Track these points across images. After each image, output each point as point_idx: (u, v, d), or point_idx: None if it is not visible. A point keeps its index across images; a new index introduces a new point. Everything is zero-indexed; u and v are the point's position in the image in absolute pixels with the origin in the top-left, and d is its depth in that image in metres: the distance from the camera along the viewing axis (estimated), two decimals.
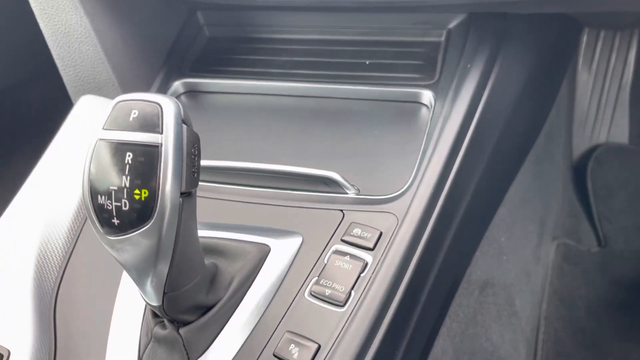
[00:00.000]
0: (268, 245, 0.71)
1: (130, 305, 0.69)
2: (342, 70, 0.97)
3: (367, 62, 0.97)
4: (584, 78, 1.75)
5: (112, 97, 0.92)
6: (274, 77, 0.98)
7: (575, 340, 1.32)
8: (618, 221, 1.58)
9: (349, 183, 0.78)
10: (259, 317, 0.66)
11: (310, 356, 0.62)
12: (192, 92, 1.00)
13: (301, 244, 0.73)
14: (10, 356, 0.62)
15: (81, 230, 0.78)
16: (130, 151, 0.51)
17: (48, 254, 0.74)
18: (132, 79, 0.93)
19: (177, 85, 0.99)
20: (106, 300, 0.70)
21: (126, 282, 0.72)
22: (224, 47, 1.05)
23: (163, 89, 0.97)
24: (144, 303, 0.68)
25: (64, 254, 0.75)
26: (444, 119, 0.81)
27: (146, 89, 0.95)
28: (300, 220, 0.75)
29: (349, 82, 0.94)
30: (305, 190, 0.79)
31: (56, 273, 0.73)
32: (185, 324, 0.62)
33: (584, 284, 1.43)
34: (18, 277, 0.70)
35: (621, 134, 1.76)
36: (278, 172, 0.80)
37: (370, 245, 0.70)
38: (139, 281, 0.56)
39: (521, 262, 1.24)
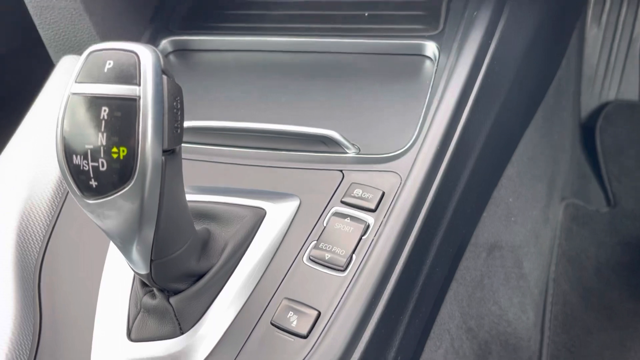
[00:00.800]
0: (263, 209, 0.68)
1: (118, 275, 0.66)
2: (340, 23, 0.92)
3: (366, 14, 0.92)
4: (594, 32, 1.68)
5: None
6: (269, 31, 0.93)
7: (584, 302, 1.29)
8: (628, 180, 1.54)
9: (348, 142, 0.73)
10: (255, 284, 0.63)
11: (310, 324, 0.58)
12: (181, 51, 0.94)
13: (298, 206, 0.69)
14: None
15: (65, 197, 0.74)
16: (105, 105, 0.46)
17: (30, 222, 0.70)
18: (116, 37, 0.87)
19: (165, 43, 0.94)
20: (93, 270, 0.67)
21: (113, 251, 0.68)
22: (215, 1, 1.00)
23: None
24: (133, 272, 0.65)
25: (47, 222, 0.71)
26: (449, 71, 0.77)
27: None
28: (297, 182, 0.71)
29: (347, 35, 0.89)
30: (302, 150, 0.75)
31: (40, 243, 0.70)
32: (176, 292, 0.59)
33: (593, 245, 1.39)
34: None
35: (631, 91, 1.70)
36: (273, 132, 0.76)
37: (372, 206, 0.66)
38: (124, 248, 0.53)
39: (529, 224, 1.20)
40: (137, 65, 0.47)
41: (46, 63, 0.92)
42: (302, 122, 0.76)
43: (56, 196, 0.73)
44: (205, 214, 0.66)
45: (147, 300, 0.59)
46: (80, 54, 0.87)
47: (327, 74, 0.87)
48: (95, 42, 0.84)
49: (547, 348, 1.21)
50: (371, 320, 0.60)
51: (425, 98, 0.77)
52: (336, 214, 0.67)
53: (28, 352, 0.61)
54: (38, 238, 0.70)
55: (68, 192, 0.75)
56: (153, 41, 0.93)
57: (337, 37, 0.89)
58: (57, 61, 0.88)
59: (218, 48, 0.94)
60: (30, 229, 0.69)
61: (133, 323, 0.60)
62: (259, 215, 0.67)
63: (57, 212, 0.73)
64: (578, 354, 1.21)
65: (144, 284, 0.60)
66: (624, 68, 1.71)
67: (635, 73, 1.71)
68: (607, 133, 1.61)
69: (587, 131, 1.63)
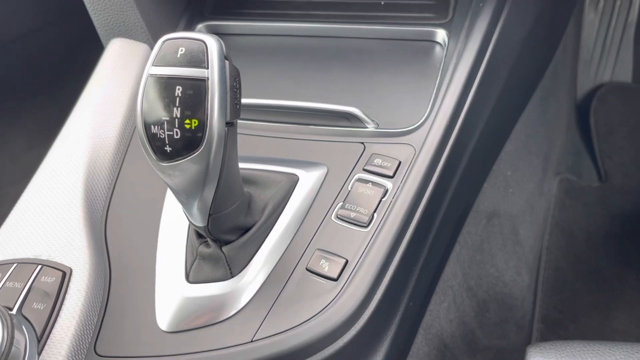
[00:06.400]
0: (297, 175, 0.78)
1: (174, 229, 0.76)
2: (358, 10, 1.00)
3: (382, 3, 1.01)
4: (590, 17, 1.77)
5: (140, 40, 0.97)
6: (293, 18, 1.02)
7: (575, 268, 1.41)
8: (618, 157, 1.64)
9: (368, 117, 0.83)
10: (291, 238, 0.73)
11: (339, 269, 0.69)
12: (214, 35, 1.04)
13: (326, 173, 0.79)
14: (73, 274, 0.70)
15: (123, 160, 0.84)
16: (179, 85, 0.55)
17: (94, 183, 0.80)
18: (158, 22, 0.97)
19: (200, 27, 1.03)
20: (151, 224, 0.77)
21: (169, 207, 0.79)
22: None
23: (187, 31, 1.01)
24: (187, 225, 0.75)
25: (108, 183, 0.82)
26: (458, 56, 0.86)
27: (172, 31, 0.99)
28: (325, 153, 0.81)
29: (365, 22, 0.98)
30: (328, 125, 0.85)
31: (103, 200, 0.80)
32: (227, 243, 0.69)
33: (583, 217, 1.51)
34: (70, 203, 0.77)
35: (625, 73, 1.79)
36: (303, 109, 0.86)
37: (390, 173, 0.77)
38: (187, 204, 0.63)
39: (526, 195, 1.31)
40: (205, 51, 0.56)
41: (94, 44, 1.01)
42: (326, 100, 0.86)
43: (115, 160, 0.84)
44: (247, 179, 0.77)
45: (203, 249, 0.70)
46: (126, 37, 0.98)
47: (347, 57, 0.97)
48: (141, 27, 0.95)
49: (539, 309, 1.33)
50: (390, 268, 0.71)
51: (436, 79, 0.87)
52: (359, 179, 0.77)
53: (102, 292, 0.72)
54: (102, 195, 0.80)
55: (125, 156, 0.86)
56: (189, 25, 1.02)
57: (356, 23, 0.98)
58: (107, 43, 0.97)
59: (247, 32, 1.03)
60: (94, 189, 0.80)
61: (190, 268, 0.71)
62: (293, 181, 0.77)
63: (116, 174, 0.83)
64: (567, 314, 1.33)
65: (199, 236, 0.71)
66: (619, 51, 1.80)
67: (629, 56, 1.80)
68: (600, 113, 1.71)
69: (582, 111, 1.73)
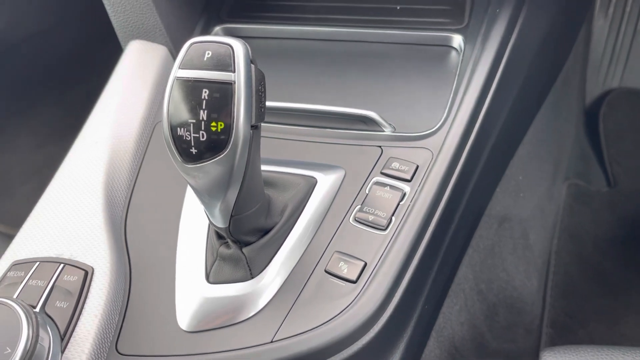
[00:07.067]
0: (315, 178, 0.78)
1: (193, 230, 0.77)
2: (374, 15, 1.01)
3: (398, 8, 1.02)
4: (600, 23, 1.77)
5: (158, 42, 0.98)
6: (309, 21, 1.03)
7: (583, 273, 1.41)
8: (627, 163, 1.65)
9: (385, 121, 0.84)
10: (310, 240, 0.74)
11: (358, 272, 0.69)
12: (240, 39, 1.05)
13: (344, 176, 0.80)
14: (95, 273, 0.71)
15: (142, 161, 0.85)
16: (206, 88, 0.56)
17: (114, 183, 0.81)
18: (176, 25, 0.98)
19: (218, 30, 1.04)
20: (170, 224, 0.78)
21: (188, 207, 0.79)
22: None
23: (205, 34, 1.02)
24: (206, 226, 0.76)
25: (128, 183, 0.83)
26: (474, 62, 0.87)
27: (189, 34, 1.01)
28: (342, 156, 0.82)
29: (381, 27, 0.99)
30: (345, 128, 0.86)
31: (123, 200, 0.81)
32: (247, 244, 0.70)
33: (592, 222, 1.51)
34: (90, 203, 0.78)
35: (634, 79, 1.79)
36: (320, 112, 0.87)
37: (408, 177, 0.77)
38: (210, 205, 0.63)
39: (536, 200, 1.32)
40: (231, 55, 0.56)
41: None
42: (342, 104, 0.87)
43: (134, 160, 0.84)
44: (265, 181, 0.77)
45: (223, 250, 0.71)
46: (145, 39, 0.99)
47: (363, 61, 0.98)
48: (160, 30, 0.96)
49: (548, 313, 1.34)
50: (408, 271, 0.72)
51: (452, 84, 0.88)
52: (377, 183, 0.78)
53: (123, 292, 0.73)
54: (121, 196, 0.81)
55: (144, 157, 0.87)
56: (206, 28, 1.03)
57: (372, 28, 0.99)
58: (125, 45, 0.98)
59: (264, 36, 1.04)
60: (114, 189, 0.81)
61: (211, 269, 0.71)
62: (311, 183, 0.78)
63: (136, 174, 0.84)
64: (576, 318, 1.34)
65: (219, 237, 0.72)
66: (628, 57, 1.80)
67: (639, 62, 1.80)
68: (609, 118, 1.71)
69: (591, 116, 1.73)
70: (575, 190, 1.54)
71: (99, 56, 1.93)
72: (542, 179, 1.36)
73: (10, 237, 1.23)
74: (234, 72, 0.56)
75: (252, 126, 0.58)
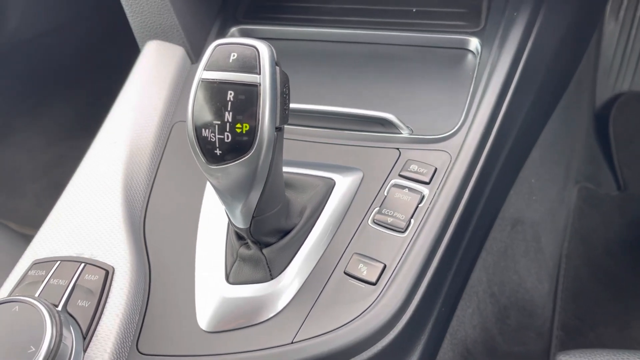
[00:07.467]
0: (333, 179, 0.79)
1: (212, 229, 0.77)
2: (390, 17, 1.02)
3: (414, 10, 1.02)
4: (611, 27, 1.77)
5: (175, 43, 0.99)
6: (325, 23, 1.03)
7: (594, 276, 1.41)
8: (637, 166, 1.65)
9: (403, 123, 0.84)
10: (329, 241, 0.74)
11: (378, 274, 0.70)
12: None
13: (362, 178, 0.80)
14: (115, 272, 0.71)
15: (160, 162, 0.86)
16: (231, 90, 0.56)
17: (133, 184, 0.82)
18: (193, 25, 0.99)
19: (234, 31, 1.04)
20: (189, 223, 0.78)
21: (207, 207, 0.80)
22: None
23: (221, 35, 1.02)
24: (226, 226, 0.76)
25: (146, 183, 0.83)
26: (492, 65, 0.87)
27: (206, 34, 1.01)
28: (360, 158, 0.82)
29: (397, 29, 0.99)
30: (362, 130, 0.86)
31: (142, 199, 0.82)
32: (267, 245, 0.70)
33: (602, 225, 1.51)
34: (110, 202, 0.78)
35: None
36: (338, 114, 0.87)
37: (427, 179, 0.77)
38: (231, 206, 0.63)
39: (548, 203, 1.32)
40: (257, 57, 0.56)
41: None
42: (359, 106, 0.87)
43: (152, 160, 0.85)
44: (284, 182, 0.78)
45: (243, 250, 0.71)
46: (162, 39, 0.99)
47: (378, 63, 0.98)
48: (177, 30, 0.96)
49: (558, 316, 1.34)
50: (427, 274, 0.72)
51: (469, 87, 0.88)
52: (395, 185, 0.78)
53: (143, 291, 0.73)
54: (140, 196, 0.82)
55: (162, 156, 0.87)
56: (222, 29, 1.04)
57: (387, 30, 0.99)
58: (142, 45, 0.99)
59: (279, 37, 1.04)
60: (133, 189, 0.81)
61: (231, 269, 0.72)
62: (330, 185, 0.78)
63: (154, 174, 0.85)
64: (586, 321, 1.34)
65: (239, 237, 0.72)
66: (639, 61, 1.80)
67: None
68: (619, 122, 1.71)
69: (601, 120, 1.73)
70: (585, 193, 1.54)
71: (109, 55, 1.95)
72: (554, 182, 1.36)
73: (20, 235, 1.24)
74: (260, 74, 0.56)
75: (276, 128, 0.58)
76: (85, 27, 1.99)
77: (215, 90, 0.57)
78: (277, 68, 0.58)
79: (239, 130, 0.57)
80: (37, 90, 2.05)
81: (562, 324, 1.31)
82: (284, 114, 0.59)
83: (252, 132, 0.57)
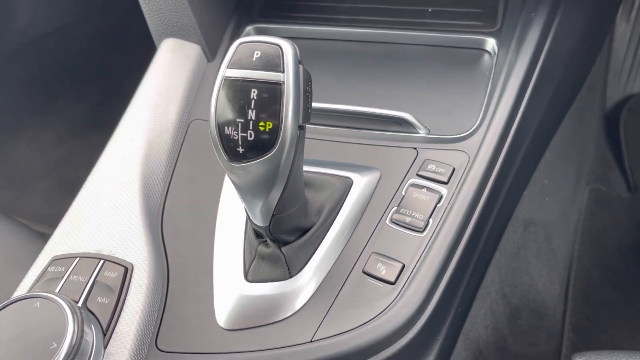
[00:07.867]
0: (351, 179, 0.78)
1: (231, 227, 0.77)
2: (406, 17, 1.01)
3: (429, 10, 1.02)
4: (622, 28, 1.77)
5: (191, 41, 0.99)
6: (340, 22, 1.03)
7: (605, 278, 1.41)
8: None
9: (420, 123, 0.84)
10: (347, 240, 0.74)
11: (397, 273, 0.70)
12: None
13: (380, 177, 0.80)
14: (134, 269, 0.71)
15: (177, 159, 0.86)
16: (255, 88, 0.56)
17: (150, 181, 0.82)
18: (209, 23, 0.99)
19: (249, 30, 1.04)
20: (207, 221, 0.78)
21: (224, 205, 0.80)
22: None
23: (237, 33, 1.02)
24: (244, 224, 0.76)
25: (164, 180, 0.83)
26: (510, 65, 0.87)
27: (222, 32, 1.01)
28: (377, 157, 0.82)
29: (412, 29, 0.99)
30: (380, 129, 0.86)
31: (159, 197, 0.82)
32: (285, 243, 0.70)
33: (613, 227, 1.51)
34: (128, 200, 0.78)
35: None
36: (355, 113, 0.87)
37: (445, 179, 0.77)
38: (252, 203, 0.63)
39: (559, 204, 1.32)
40: (280, 55, 0.56)
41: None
42: (376, 105, 0.87)
43: (170, 157, 0.85)
44: None
45: (262, 248, 0.71)
46: (178, 37, 0.99)
47: (394, 62, 0.98)
48: (193, 28, 0.96)
49: (569, 318, 1.33)
50: (446, 274, 0.72)
51: (486, 88, 0.88)
52: (413, 185, 0.78)
53: (161, 289, 0.73)
54: (158, 193, 0.82)
55: (180, 154, 0.87)
56: (238, 27, 1.04)
57: (404, 30, 0.99)
58: (159, 43, 0.99)
59: (295, 36, 1.04)
60: (151, 186, 0.81)
61: (249, 267, 0.72)
62: (347, 184, 0.78)
63: (171, 171, 0.85)
64: (597, 323, 1.33)
65: (257, 235, 0.72)
66: None
67: None
68: (630, 124, 1.71)
69: (612, 122, 1.73)
70: (596, 195, 1.54)
71: (118, 54, 1.95)
72: (566, 184, 1.36)
73: (31, 231, 1.24)
74: (283, 72, 0.56)
75: (298, 127, 0.58)
76: (94, 27, 2.00)
77: (239, 88, 0.57)
78: (300, 66, 0.58)
79: (262, 129, 0.57)
80: (46, 88, 2.06)
81: (573, 325, 1.31)
82: (306, 113, 0.59)
83: (275, 130, 0.56)
